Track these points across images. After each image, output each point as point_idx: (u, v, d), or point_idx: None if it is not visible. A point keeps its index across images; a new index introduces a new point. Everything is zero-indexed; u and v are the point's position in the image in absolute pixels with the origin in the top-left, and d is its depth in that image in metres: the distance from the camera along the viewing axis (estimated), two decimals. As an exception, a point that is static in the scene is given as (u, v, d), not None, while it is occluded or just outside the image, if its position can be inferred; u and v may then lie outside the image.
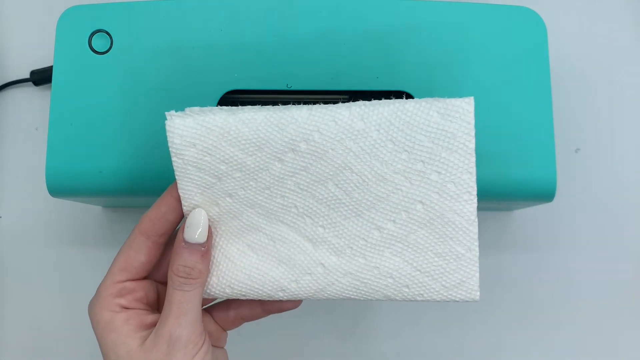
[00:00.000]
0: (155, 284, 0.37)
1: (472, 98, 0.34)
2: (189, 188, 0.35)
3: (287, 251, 0.36)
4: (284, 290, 0.36)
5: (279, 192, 0.35)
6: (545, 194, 0.45)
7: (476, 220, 0.35)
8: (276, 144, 0.34)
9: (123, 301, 0.35)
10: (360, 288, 0.36)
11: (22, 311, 0.55)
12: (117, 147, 0.44)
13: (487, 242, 0.55)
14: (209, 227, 0.35)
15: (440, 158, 0.34)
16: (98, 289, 0.35)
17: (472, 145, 0.34)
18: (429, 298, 0.36)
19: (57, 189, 0.45)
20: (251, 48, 0.45)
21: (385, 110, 0.34)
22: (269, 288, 0.36)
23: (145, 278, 0.36)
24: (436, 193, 0.35)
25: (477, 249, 0.35)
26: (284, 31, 0.45)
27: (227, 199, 0.35)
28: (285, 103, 0.49)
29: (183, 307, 0.33)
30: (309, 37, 0.45)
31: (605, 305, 0.54)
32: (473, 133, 0.34)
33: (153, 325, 0.34)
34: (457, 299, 0.35)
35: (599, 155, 0.56)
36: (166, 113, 0.35)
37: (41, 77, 0.56)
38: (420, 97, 0.42)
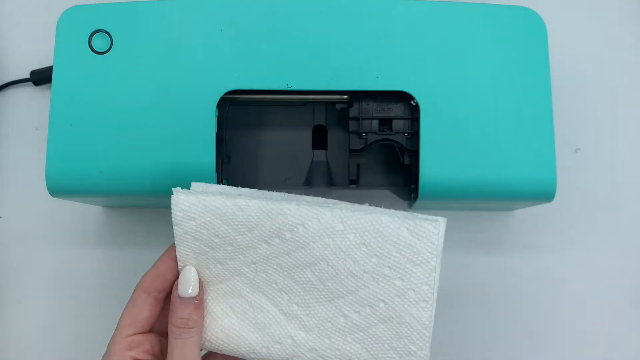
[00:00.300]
0: (159, 337, 0.41)
1: (439, 221, 0.39)
2: (185, 252, 0.40)
3: (263, 319, 0.40)
4: (255, 353, 0.40)
5: (263, 268, 0.40)
6: (545, 194, 0.45)
7: (430, 324, 0.39)
8: (265, 229, 0.39)
9: (133, 353, 0.38)
10: None
11: (22, 311, 0.55)
12: (117, 147, 0.44)
13: (487, 242, 0.55)
14: (200, 282, 0.40)
15: (404, 268, 0.38)
16: (109, 345, 0.38)
17: (434, 262, 0.38)
18: None
19: (57, 189, 0.45)
20: (251, 48, 0.45)
21: (362, 218, 0.38)
22: (243, 349, 0.40)
23: (149, 331, 0.40)
24: (398, 297, 0.39)
25: (428, 349, 0.39)
26: (284, 31, 0.45)
27: (218, 265, 0.40)
28: (285, 103, 0.49)
29: (184, 353, 0.37)
30: (309, 37, 0.45)
31: (605, 304, 0.54)
32: (436, 252, 0.38)
33: None
34: None
35: (599, 155, 0.56)
36: (173, 189, 0.39)
37: (41, 77, 0.56)
38: (420, 97, 0.44)
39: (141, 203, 0.53)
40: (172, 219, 0.39)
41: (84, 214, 0.55)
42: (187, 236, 0.39)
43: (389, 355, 0.40)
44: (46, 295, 0.55)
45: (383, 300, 0.39)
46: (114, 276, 0.55)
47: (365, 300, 0.39)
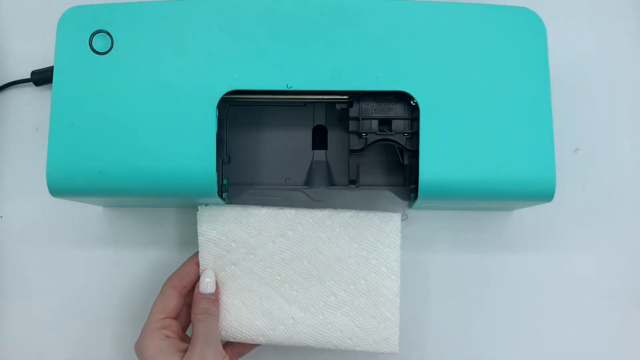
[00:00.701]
0: (182, 326, 0.49)
1: (400, 213, 0.49)
2: (206, 257, 0.49)
3: (269, 307, 0.49)
4: (263, 335, 0.49)
5: (269, 264, 0.49)
6: (544, 194, 0.45)
7: (399, 293, 0.48)
8: (272, 230, 0.49)
9: (165, 332, 0.47)
10: (318, 338, 0.49)
11: (22, 311, 0.55)
12: (118, 147, 0.44)
13: (487, 242, 0.55)
14: (216, 282, 0.49)
15: (377, 249, 0.49)
16: (144, 327, 0.47)
17: (398, 242, 0.48)
18: (364, 349, 0.49)
19: (58, 189, 0.45)
20: (251, 48, 0.45)
21: (345, 214, 0.49)
22: (253, 333, 0.49)
23: (175, 319, 0.48)
24: (374, 273, 0.48)
25: (398, 314, 0.48)
26: (284, 31, 0.45)
27: (232, 266, 0.49)
28: (285, 103, 0.49)
29: (206, 329, 0.46)
30: (309, 38, 0.45)
31: (604, 304, 0.54)
32: (399, 234, 0.48)
33: (185, 350, 0.46)
34: (383, 352, 0.49)
35: (598, 155, 0.56)
36: (198, 207, 0.48)
37: (42, 78, 0.56)
38: (419, 97, 0.44)
39: (141, 203, 0.53)
40: (198, 230, 0.49)
41: (84, 214, 0.55)
42: (210, 243, 0.49)
43: (369, 323, 0.48)
44: (46, 295, 0.55)
45: (363, 277, 0.49)
46: (114, 276, 0.55)
47: (349, 279, 0.49)
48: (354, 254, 0.49)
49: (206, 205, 0.49)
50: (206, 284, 0.48)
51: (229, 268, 0.49)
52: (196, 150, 0.44)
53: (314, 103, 0.50)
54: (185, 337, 0.49)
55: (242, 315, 0.49)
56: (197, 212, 0.49)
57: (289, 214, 0.49)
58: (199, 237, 0.49)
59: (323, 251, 0.49)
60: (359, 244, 0.49)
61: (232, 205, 0.49)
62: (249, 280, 0.49)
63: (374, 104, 0.46)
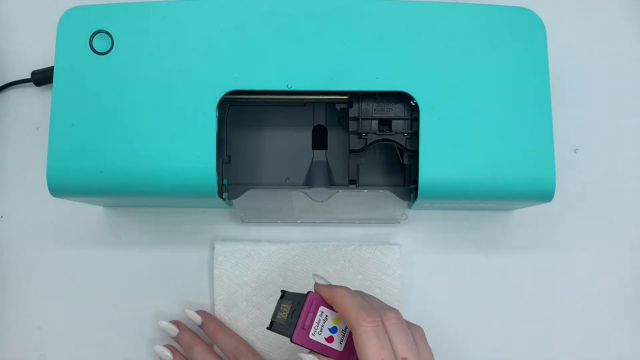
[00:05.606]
0: None
1: (399, 244, 0.53)
2: (220, 292, 0.53)
3: (281, 339, 0.51)
4: None
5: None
6: (544, 194, 0.45)
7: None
8: (281, 265, 0.53)
9: None
10: None
11: (22, 311, 0.55)
12: (118, 147, 0.44)
13: (487, 242, 0.55)
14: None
15: (380, 279, 0.53)
16: None
17: (399, 272, 0.52)
18: None
19: (58, 189, 0.45)
20: (251, 48, 0.45)
21: (348, 248, 0.53)
22: None
23: None
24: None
25: None
26: (284, 32, 0.45)
27: (244, 302, 0.53)
28: (285, 103, 0.49)
29: None
30: (309, 38, 0.45)
31: (603, 304, 0.54)
32: (398, 264, 0.52)
33: None
34: None
35: (597, 155, 0.56)
36: (215, 243, 0.53)
37: (42, 78, 0.56)
38: (419, 97, 0.44)
39: (141, 203, 0.53)
40: (214, 263, 0.52)
41: (85, 213, 0.55)
42: (224, 278, 0.52)
43: None
44: (46, 295, 0.55)
45: None
46: (114, 276, 0.55)
47: None
48: (359, 284, 0.52)
49: (223, 241, 0.53)
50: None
51: (241, 304, 0.52)
52: (196, 150, 0.44)
53: (314, 103, 0.50)
54: None
55: (258, 350, 0.52)
56: (215, 247, 0.53)
57: (297, 249, 0.53)
58: (215, 271, 0.52)
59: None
60: (363, 275, 0.52)
61: (245, 241, 0.53)
62: (259, 316, 0.52)
63: (374, 104, 0.46)
